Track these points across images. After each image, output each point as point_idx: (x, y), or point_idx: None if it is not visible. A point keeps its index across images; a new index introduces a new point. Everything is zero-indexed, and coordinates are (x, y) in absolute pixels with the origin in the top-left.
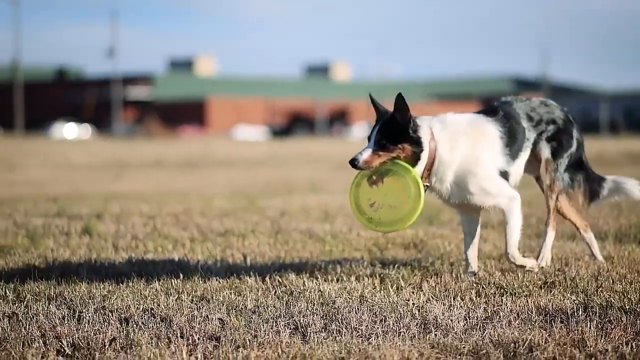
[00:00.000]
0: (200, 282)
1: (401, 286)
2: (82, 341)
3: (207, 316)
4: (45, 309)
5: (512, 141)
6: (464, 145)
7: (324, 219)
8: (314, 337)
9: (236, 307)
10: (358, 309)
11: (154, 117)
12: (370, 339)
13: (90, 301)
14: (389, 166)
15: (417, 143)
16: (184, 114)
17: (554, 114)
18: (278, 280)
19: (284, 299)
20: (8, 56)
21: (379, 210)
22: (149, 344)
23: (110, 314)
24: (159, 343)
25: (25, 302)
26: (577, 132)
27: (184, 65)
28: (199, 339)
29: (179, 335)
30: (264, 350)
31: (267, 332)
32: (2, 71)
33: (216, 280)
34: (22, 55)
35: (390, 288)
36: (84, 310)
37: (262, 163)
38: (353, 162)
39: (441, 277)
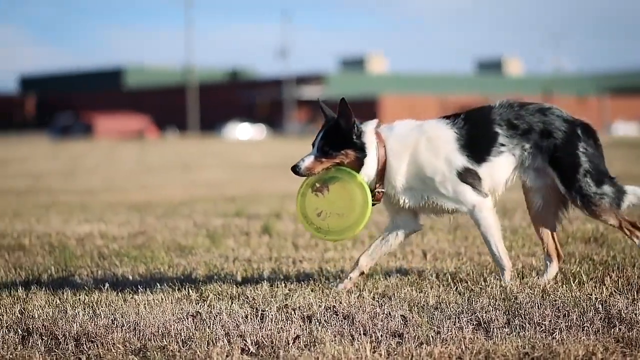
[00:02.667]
0: (382, 279)
1: (583, 280)
2: (266, 339)
3: (390, 313)
4: (228, 308)
5: (473, 144)
6: (413, 149)
7: (502, 214)
8: (497, 333)
9: (418, 303)
10: (541, 304)
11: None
12: (554, 334)
13: (272, 300)
14: (334, 173)
15: (360, 149)
16: (356, 112)
17: (551, 125)
18: (459, 277)
19: (466, 295)
20: (181, 59)
21: (327, 219)
22: (332, 341)
23: (292, 312)
24: (342, 340)
25: (208, 302)
26: (585, 144)
27: (355, 64)
28: (381, 335)
29: (361, 332)
30: (447, 347)
31: (449, 329)
32: (176, 74)
33: (397, 277)
34: (195, 57)
35: (572, 283)
36: (266, 309)
37: None
38: (295, 169)
39: (624, 270)
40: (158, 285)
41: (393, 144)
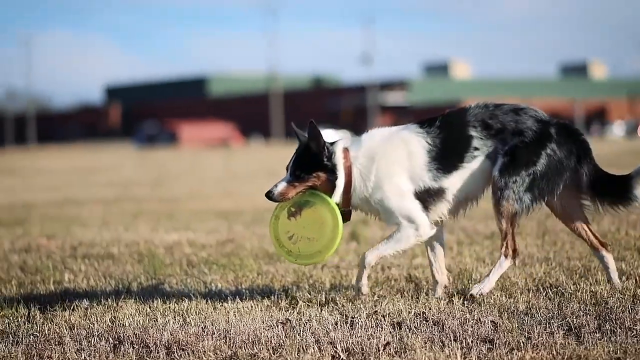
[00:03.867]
0: (471, 285)
1: None
2: (356, 346)
3: (480, 319)
4: (318, 315)
5: (446, 153)
6: (378, 163)
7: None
8: (588, 338)
9: (508, 309)
10: (632, 308)
11: (411, 121)
12: None
13: (362, 306)
14: (307, 197)
15: (331, 171)
16: None
17: (524, 124)
18: (548, 282)
19: (556, 300)
20: (265, 66)
21: (298, 243)
22: (422, 347)
23: (382, 319)
24: (433, 347)
25: (297, 309)
26: (557, 148)
27: (439, 69)
28: (472, 342)
29: (452, 338)
30: (538, 352)
31: (540, 334)
32: (260, 81)
33: None
34: (279, 64)
35: None
36: (356, 316)
37: None
38: (269, 195)
39: None
40: (247, 292)
41: (360, 161)
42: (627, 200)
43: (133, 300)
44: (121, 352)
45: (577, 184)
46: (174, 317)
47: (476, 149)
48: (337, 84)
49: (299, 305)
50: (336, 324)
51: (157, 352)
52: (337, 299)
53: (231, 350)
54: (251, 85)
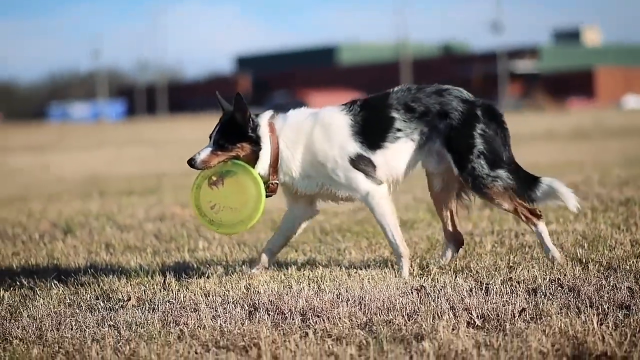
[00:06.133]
0: (606, 251)
1: None
2: (492, 312)
3: (615, 285)
4: (452, 281)
5: (368, 130)
6: (305, 137)
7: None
8: None
9: None
10: None
11: (541, 90)
12: None
13: (496, 273)
14: (230, 167)
15: (255, 142)
16: (571, 85)
17: (448, 105)
18: None
19: None
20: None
21: (220, 213)
22: (558, 313)
23: (517, 285)
24: (569, 313)
25: (431, 276)
26: (484, 126)
27: (569, 37)
28: (608, 308)
29: (587, 304)
30: None
31: None
32: (389, 49)
33: (621, 249)
34: (409, 32)
35: None
36: (490, 282)
37: None
38: (191, 162)
39: None
40: (381, 260)
41: (286, 134)
42: (529, 199)
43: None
44: (256, 318)
45: None
46: (309, 284)
47: (399, 130)
48: (467, 51)
49: (432, 272)
50: (471, 290)
51: (292, 319)
52: (471, 265)
53: (366, 317)
54: (380, 53)
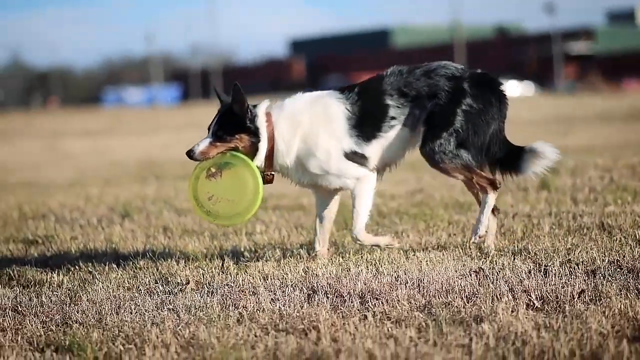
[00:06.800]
0: None
1: None
2: (550, 294)
3: None
4: (511, 263)
5: (364, 121)
6: (301, 128)
7: None
8: None
9: None
10: None
11: (596, 72)
12: None
13: (554, 255)
14: (228, 159)
15: (254, 133)
16: (626, 66)
17: (436, 86)
18: None
19: None
20: (448, 16)
21: (217, 204)
22: (617, 295)
23: (575, 267)
24: (628, 294)
25: (490, 258)
26: (472, 100)
27: (623, 18)
28: None
29: None
30: None
31: None
32: (443, 31)
33: None
34: (462, 14)
35: None
36: (549, 264)
37: None
38: (189, 153)
39: None
40: (438, 242)
41: (282, 125)
42: (516, 169)
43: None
44: (315, 301)
45: None
46: (367, 267)
47: (393, 118)
48: (521, 33)
49: (491, 254)
50: (529, 272)
51: (351, 302)
52: (529, 247)
53: (425, 299)
54: (435, 36)
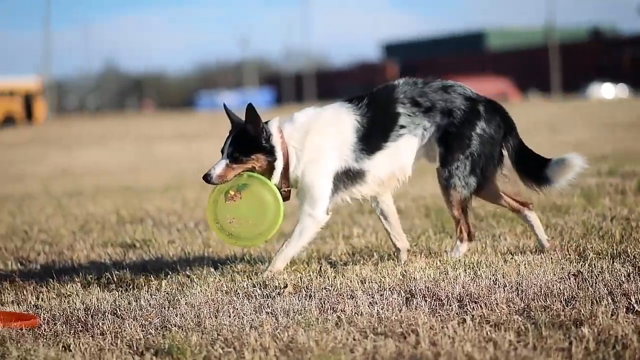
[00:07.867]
0: None
1: None
2: None
3: None
4: (610, 266)
5: (372, 131)
6: (310, 142)
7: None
8: None
9: None
10: None
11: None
12: None
13: None
14: (246, 180)
15: (270, 152)
16: None
17: (453, 103)
18: None
19: None
20: (543, 19)
21: (239, 226)
22: None
23: None
24: None
25: (588, 261)
26: (485, 124)
27: None
28: None
29: None
30: None
31: None
32: (537, 34)
33: None
34: (557, 16)
35: None
36: None
37: None
38: (207, 178)
39: None
40: (536, 245)
41: (294, 139)
42: (542, 181)
43: (423, 254)
44: (414, 305)
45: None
46: (465, 271)
47: (402, 126)
48: (616, 35)
49: (589, 258)
50: (629, 275)
51: (450, 305)
52: (629, 250)
53: (524, 303)
54: (529, 38)
